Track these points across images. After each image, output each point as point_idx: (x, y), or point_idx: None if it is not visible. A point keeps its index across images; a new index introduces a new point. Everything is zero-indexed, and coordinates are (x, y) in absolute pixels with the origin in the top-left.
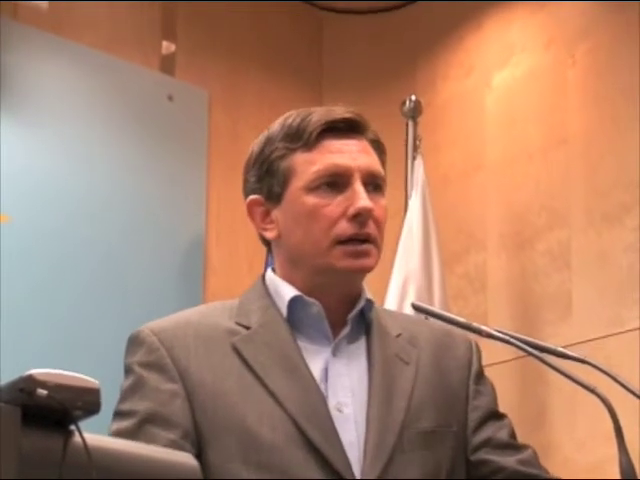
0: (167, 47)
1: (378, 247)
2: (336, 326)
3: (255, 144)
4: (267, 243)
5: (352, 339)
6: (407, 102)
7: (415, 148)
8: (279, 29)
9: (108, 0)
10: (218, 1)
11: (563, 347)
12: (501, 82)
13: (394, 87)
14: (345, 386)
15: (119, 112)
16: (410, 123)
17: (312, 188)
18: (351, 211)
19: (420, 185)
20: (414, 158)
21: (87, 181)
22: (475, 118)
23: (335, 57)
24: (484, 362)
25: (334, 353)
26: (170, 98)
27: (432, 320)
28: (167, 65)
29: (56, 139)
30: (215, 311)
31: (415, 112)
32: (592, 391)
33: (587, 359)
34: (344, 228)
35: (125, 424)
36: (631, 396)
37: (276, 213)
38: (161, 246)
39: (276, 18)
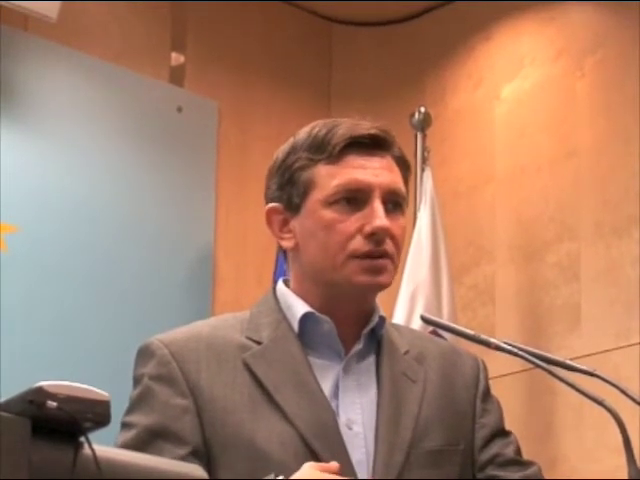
0: (176, 58)
1: (394, 264)
2: (347, 342)
3: (280, 151)
4: (284, 251)
5: (362, 356)
6: (416, 114)
7: (424, 160)
8: (288, 40)
9: (118, 10)
10: (227, 12)
11: (571, 359)
12: (510, 94)
13: (403, 99)
14: (355, 403)
15: (128, 123)
16: (419, 135)
17: (331, 202)
18: (367, 229)
19: (429, 197)
20: (423, 170)
21: (96, 192)
22: (484, 130)
23: (344, 69)
24: (492, 374)
25: (345, 370)
26: (179, 109)
27: (439, 335)
28: (176, 76)
29: (65, 150)
30: (226, 324)
31: (424, 124)
32: (600, 404)
33: (595, 371)
34: (360, 244)
35: (134, 436)
36: (639, 408)
37: (294, 223)
38: (170, 257)
39: (285, 30)
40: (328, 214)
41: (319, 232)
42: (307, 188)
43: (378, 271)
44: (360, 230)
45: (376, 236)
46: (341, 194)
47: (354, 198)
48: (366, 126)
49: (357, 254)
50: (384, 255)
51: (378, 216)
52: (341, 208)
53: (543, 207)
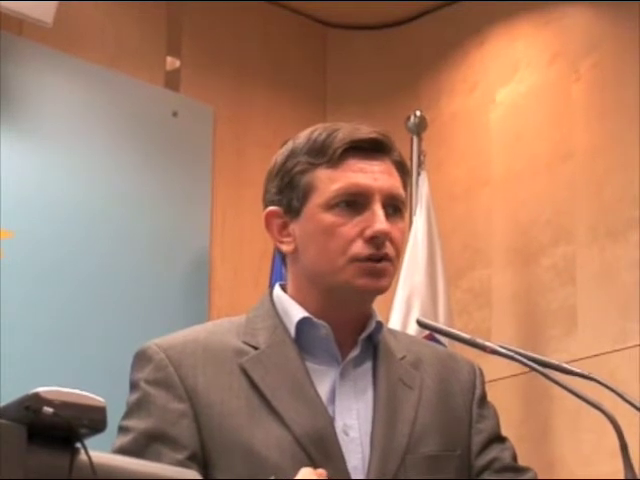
0: (172, 63)
1: (394, 267)
2: (344, 347)
3: (279, 154)
4: (283, 255)
5: (359, 361)
6: (412, 118)
7: (420, 164)
8: (284, 44)
9: (113, 15)
10: (223, 17)
11: (568, 362)
12: (505, 98)
13: (398, 103)
14: (352, 408)
15: (124, 128)
16: (415, 139)
17: (331, 206)
18: (368, 233)
19: (425, 200)
20: (419, 174)
21: (92, 197)
22: (480, 134)
23: (339, 73)
24: (488, 378)
25: (342, 375)
26: (175, 114)
27: (435, 338)
28: (172, 81)
29: (60, 155)
30: (222, 329)
31: (420, 128)
32: (597, 407)
33: (592, 375)
34: (361, 248)
35: (131, 440)
36: (636, 412)
37: (294, 227)
38: (166, 263)
39: (281, 34)
40: (328, 218)
41: (319, 236)
42: (307, 192)
43: (379, 274)
44: (360, 234)
45: (377, 240)
46: (341, 198)
47: (354, 202)
48: (366, 130)
49: (358, 258)
50: (385, 258)
51: (379, 220)
52: (341, 212)
53: (539, 210)
